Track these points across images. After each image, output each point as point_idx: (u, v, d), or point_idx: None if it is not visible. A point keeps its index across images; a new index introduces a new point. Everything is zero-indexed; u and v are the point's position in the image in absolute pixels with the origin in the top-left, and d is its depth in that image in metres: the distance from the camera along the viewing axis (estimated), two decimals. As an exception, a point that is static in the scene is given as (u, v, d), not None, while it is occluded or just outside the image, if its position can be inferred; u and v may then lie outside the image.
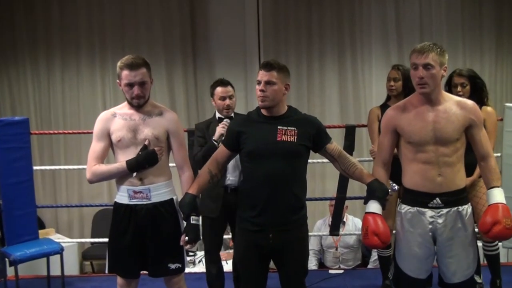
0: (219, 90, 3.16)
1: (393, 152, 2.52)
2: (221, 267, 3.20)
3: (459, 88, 3.18)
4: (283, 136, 2.38)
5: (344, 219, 4.68)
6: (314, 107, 5.92)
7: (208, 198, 3.12)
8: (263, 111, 2.45)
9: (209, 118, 3.31)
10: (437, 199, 2.38)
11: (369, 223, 2.41)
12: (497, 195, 2.34)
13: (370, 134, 3.36)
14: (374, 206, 2.43)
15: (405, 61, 5.87)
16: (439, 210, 2.39)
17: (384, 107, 3.25)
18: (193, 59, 5.88)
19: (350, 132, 3.67)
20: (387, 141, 2.50)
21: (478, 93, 3.22)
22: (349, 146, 3.66)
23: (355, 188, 5.67)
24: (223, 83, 3.17)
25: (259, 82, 2.41)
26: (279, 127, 2.39)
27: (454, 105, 2.39)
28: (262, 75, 2.41)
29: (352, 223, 4.71)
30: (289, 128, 2.39)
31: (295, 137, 2.39)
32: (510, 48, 6.08)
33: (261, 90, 2.40)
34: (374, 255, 4.50)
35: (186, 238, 2.42)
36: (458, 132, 2.37)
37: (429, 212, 2.40)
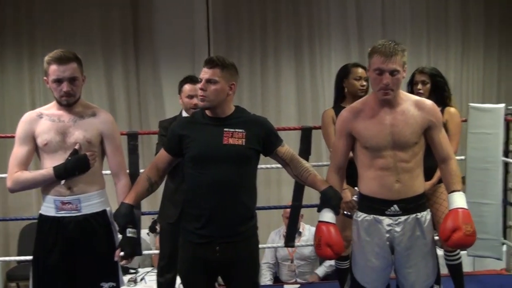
0: (187, 87, 3.18)
1: (349, 156, 2.57)
2: (175, 277, 3.20)
3: (419, 86, 3.28)
4: (229, 139, 2.39)
5: (300, 229, 4.71)
6: (269, 107, 5.96)
7: (169, 202, 3.09)
8: (207, 112, 2.46)
9: (174, 116, 3.31)
10: (395, 206, 2.44)
11: (322, 233, 2.44)
12: (458, 200, 2.40)
13: (325, 138, 3.41)
14: (327, 215, 2.47)
15: (367, 58, 6.01)
16: (396, 217, 2.45)
17: (337, 108, 3.31)
18: (135, 55, 5.82)
19: (306, 134, 3.72)
20: (341, 145, 2.54)
21: (439, 92, 3.32)
22: (305, 149, 3.70)
23: (313, 195, 5.77)
24: (193, 80, 3.18)
25: (200, 80, 2.42)
26: (225, 129, 2.40)
27: (412, 106, 2.44)
28: (204, 73, 2.41)
29: (309, 233, 4.75)
30: (236, 130, 2.40)
31: (243, 140, 2.39)
32: (476, 45, 6.33)
33: (201, 89, 2.40)
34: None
35: (121, 253, 2.39)
36: (416, 135, 2.43)
37: (386, 220, 2.46)
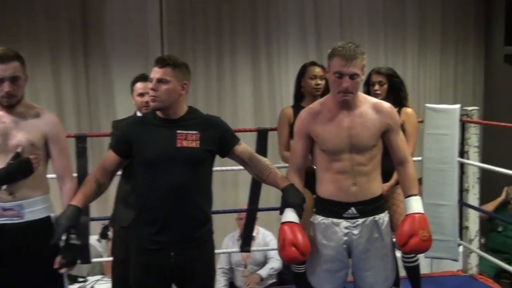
0: (138, 86, 3.15)
1: (308, 158, 2.57)
2: None
3: (376, 87, 3.32)
4: (183, 141, 2.36)
5: (255, 233, 4.72)
6: (225, 108, 5.95)
7: (122, 205, 3.05)
8: (159, 113, 2.43)
9: (128, 116, 3.27)
10: (352, 208, 2.46)
11: (285, 233, 2.40)
12: (414, 205, 2.44)
13: (279, 138, 3.42)
14: (290, 215, 2.45)
15: (325, 57, 6.06)
16: (354, 220, 2.47)
17: (297, 107, 3.31)
18: (84, 54, 5.69)
19: (262, 136, 3.71)
20: (300, 146, 2.55)
21: (396, 93, 3.37)
22: (262, 151, 3.68)
23: (271, 198, 5.79)
24: (144, 78, 3.15)
25: (150, 80, 2.39)
26: (178, 131, 2.37)
27: (370, 109, 2.47)
28: (154, 72, 2.38)
29: (263, 237, 4.74)
30: (189, 132, 2.38)
31: (198, 141, 2.38)
32: (433, 46, 6.49)
33: (152, 89, 2.37)
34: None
35: (63, 260, 2.33)
36: (374, 138, 2.46)
37: (344, 223, 2.48)
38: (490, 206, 5.27)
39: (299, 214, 2.45)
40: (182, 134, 2.37)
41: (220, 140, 2.45)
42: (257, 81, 6.08)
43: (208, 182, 2.47)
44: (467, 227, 4.16)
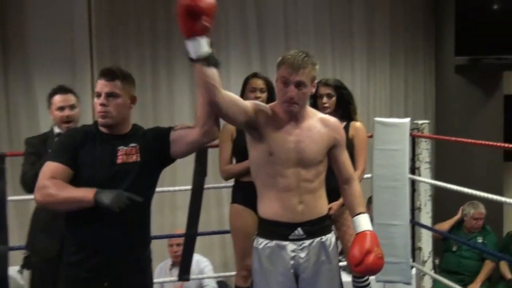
0: (57, 98, 3.14)
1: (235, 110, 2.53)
2: None
3: (324, 99, 3.39)
4: (124, 156, 2.37)
5: None
6: (161, 121, 5.90)
7: (42, 234, 3.02)
8: (102, 129, 2.42)
9: (44, 133, 3.26)
10: (299, 229, 2.50)
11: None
12: (364, 222, 2.52)
13: (220, 154, 3.47)
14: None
15: (269, 67, 6.14)
16: (301, 242, 2.51)
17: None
18: (3, 64, 5.57)
19: (202, 154, 3.70)
20: (246, 103, 2.54)
21: (345, 106, 3.45)
22: (201, 171, 3.68)
23: (212, 221, 5.78)
24: (62, 89, 3.16)
25: (98, 94, 2.37)
26: (119, 147, 2.38)
27: (318, 122, 2.55)
28: (103, 86, 2.36)
29: (197, 264, 4.70)
30: (130, 146, 2.39)
31: (138, 154, 2.39)
32: (382, 57, 6.67)
33: (102, 104, 2.35)
34: None
35: None
36: (322, 153, 2.53)
37: (290, 246, 2.50)
38: (445, 225, 5.44)
39: None
40: (123, 150, 2.38)
41: (161, 146, 2.44)
42: (197, 92, 6.04)
43: (148, 200, 2.46)
44: (420, 248, 4.26)
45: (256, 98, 3.39)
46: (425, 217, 4.24)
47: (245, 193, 3.35)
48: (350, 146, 3.32)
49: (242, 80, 3.58)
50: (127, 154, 2.38)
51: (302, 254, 2.51)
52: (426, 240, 4.28)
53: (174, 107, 6.03)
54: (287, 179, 2.47)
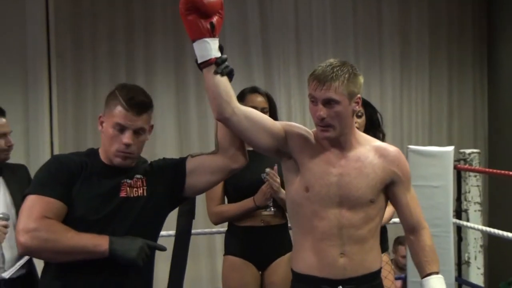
0: None
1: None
2: None
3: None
4: (127, 189, 2.41)
5: None
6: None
7: None
8: (105, 160, 2.45)
9: None
10: (340, 287, 2.49)
11: None
12: (437, 285, 2.48)
13: (209, 193, 3.44)
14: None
15: (275, 79, 6.19)
16: None
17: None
18: None
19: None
20: (276, 124, 2.56)
21: (374, 128, 3.47)
22: (188, 210, 3.65)
23: (202, 275, 5.74)
24: (2, 112, 3.27)
25: (121, 128, 2.37)
26: (123, 180, 2.42)
27: (371, 152, 2.52)
28: (131, 119, 2.37)
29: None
30: (135, 177, 2.44)
31: (144, 188, 2.43)
32: (420, 68, 6.70)
33: (127, 144, 2.37)
34: None
35: None
36: (373, 190, 2.48)
37: None
38: None
39: None
40: (127, 183, 2.42)
41: (167, 170, 2.49)
42: (183, 106, 6.10)
43: (154, 250, 2.48)
44: (468, 312, 4.24)
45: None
46: (475, 273, 4.23)
47: (242, 241, 3.35)
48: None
49: (240, 89, 3.56)
50: (131, 186, 2.42)
51: None
52: (476, 304, 4.25)
53: (156, 128, 5.97)
54: (326, 222, 2.46)
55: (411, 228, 2.60)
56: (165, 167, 2.52)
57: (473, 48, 6.80)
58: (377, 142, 2.59)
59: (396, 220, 3.85)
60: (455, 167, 4.02)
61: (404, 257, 4.47)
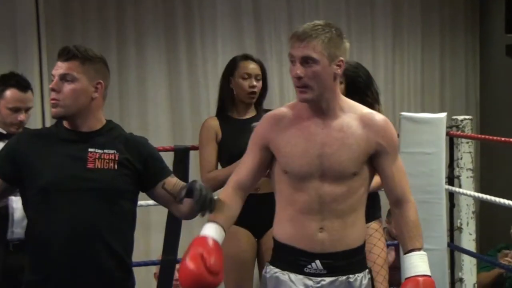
0: (10, 95, 3.19)
1: (258, 177, 2.58)
2: None
3: None
4: (96, 161, 2.39)
5: None
6: (130, 119, 5.89)
7: None
8: (66, 124, 2.45)
9: None
10: (317, 262, 2.44)
11: (189, 248, 2.35)
12: (418, 263, 2.40)
13: (201, 158, 3.49)
14: (207, 230, 2.41)
15: (267, 49, 6.16)
16: (319, 278, 2.45)
17: (224, 118, 3.40)
18: None
19: (181, 157, 3.71)
20: (251, 161, 2.53)
21: (358, 97, 3.44)
22: (181, 179, 3.67)
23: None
24: (21, 85, 3.21)
25: (52, 78, 2.43)
26: (90, 149, 2.40)
27: (355, 120, 2.44)
28: (57, 67, 2.42)
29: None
30: (105, 151, 2.41)
31: (115, 163, 2.41)
32: (412, 35, 6.68)
33: (53, 89, 2.39)
34: None
35: None
36: (356, 162, 2.42)
37: (305, 281, 2.45)
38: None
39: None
40: (95, 153, 2.40)
41: (146, 166, 2.48)
42: (175, 80, 6.06)
43: (129, 221, 2.50)
44: (461, 279, 4.27)
45: (251, 87, 3.39)
46: (468, 239, 4.25)
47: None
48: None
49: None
50: (101, 158, 2.41)
51: None
52: (468, 270, 4.28)
53: (147, 101, 6.01)
54: (306, 196, 2.42)
55: (396, 201, 2.51)
56: (145, 158, 2.49)
57: (465, 14, 6.78)
58: (364, 110, 2.50)
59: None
60: (447, 134, 4.02)
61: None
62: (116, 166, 2.41)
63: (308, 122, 2.43)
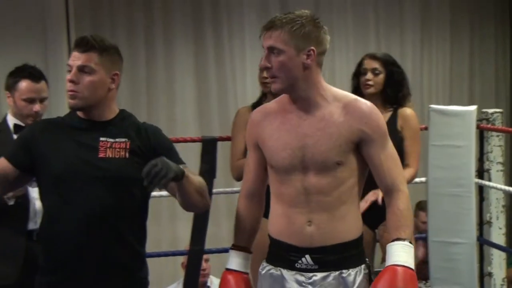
0: (25, 86, 3.17)
1: (265, 175, 2.53)
2: None
3: (369, 75, 3.36)
4: (107, 150, 2.39)
5: (209, 283, 4.82)
6: (157, 109, 5.93)
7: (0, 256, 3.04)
8: (80, 114, 2.45)
9: None
10: (307, 257, 2.41)
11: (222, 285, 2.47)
12: (399, 253, 2.32)
13: (232, 147, 3.50)
14: (234, 261, 2.50)
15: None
16: (311, 274, 2.41)
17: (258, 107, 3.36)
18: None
19: (208, 148, 3.70)
20: (251, 161, 2.54)
21: (395, 88, 3.43)
22: (209, 170, 3.69)
23: (223, 235, 5.79)
24: (33, 75, 3.18)
25: (69, 69, 2.40)
26: (101, 138, 2.40)
27: (339, 109, 2.39)
28: (74, 58, 2.40)
29: (215, 288, 4.78)
30: (117, 140, 2.41)
31: (126, 151, 2.40)
32: (441, 27, 6.63)
33: (71, 81, 2.38)
34: None
35: None
36: (339, 152, 2.36)
37: (297, 277, 2.42)
38: None
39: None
40: (107, 142, 2.40)
41: (154, 154, 2.39)
42: (202, 73, 6.09)
43: (141, 210, 2.49)
44: (490, 274, 4.23)
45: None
46: (497, 233, 4.21)
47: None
48: (399, 139, 3.31)
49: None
50: (112, 147, 2.40)
51: None
52: (498, 264, 4.25)
53: (175, 92, 6.04)
54: (292, 189, 2.39)
55: (385, 190, 2.42)
56: (160, 152, 2.42)
57: (495, 6, 6.71)
58: (349, 97, 2.43)
59: (419, 180, 3.90)
60: (478, 127, 3.98)
61: (425, 223, 4.43)
62: (127, 155, 2.40)
63: (291, 115, 2.41)
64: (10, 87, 3.20)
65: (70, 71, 2.40)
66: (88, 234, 2.35)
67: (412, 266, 2.29)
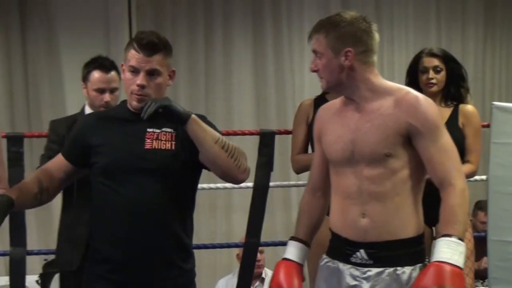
0: (97, 76, 3.22)
1: (328, 174, 2.56)
2: None
3: (431, 74, 3.31)
4: (154, 142, 2.41)
5: (263, 275, 4.82)
6: (215, 102, 5.96)
7: (65, 243, 3.11)
8: (128, 104, 2.47)
9: (73, 114, 3.34)
10: (361, 251, 2.39)
11: (275, 274, 2.50)
12: (444, 249, 2.26)
13: (292, 139, 3.48)
14: (291, 251, 2.52)
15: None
16: (365, 269, 2.40)
17: (320, 101, 3.33)
18: (21, 29, 5.72)
19: (266, 141, 3.71)
20: (317, 156, 2.57)
21: (456, 84, 3.38)
22: (266, 163, 3.70)
23: (278, 228, 5.79)
24: (104, 66, 3.23)
25: (134, 70, 2.41)
26: (149, 129, 2.42)
27: (389, 102, 2.39)
28: (141, 61, 2.40)
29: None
30: (163, 130, 2.43)
31: (173, 142, 2.42)
32: (504, 18, 6.49)
33: (140, 86, 2.39)
34: None
35: None
36: (386, 144, 2.35)
37: (352, 270, 2.41)
38: None
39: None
40: (153, 133, 2.42)
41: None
42: (260, 64, 6.10)
43: (188, 202, 2.50)
44: (550, 274, 4.15)
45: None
46: (559, 233, 4.11)
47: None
48: (460, 137, 3.27)
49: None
50: (159, 138, 2.42)
51: (366, 286, 2.38)
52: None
53: (232, 82, 6.06)
54: (346, 179, 2.40)
55: (438, 184, 2.37)
56: None
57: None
58: (402, 91, 2.42)
59: (479, 178, 3.84)
60: (542, 124, 3.90)
61: (484, 223, 4.38)
62: (173, 146, 2.42)
63: (346, 110, 2.45)
64: (84, 78, 3.26)
65: (133, 71, 2.40)
66: (134, 225, 2.36)
67: (458, 263, 2.24)
